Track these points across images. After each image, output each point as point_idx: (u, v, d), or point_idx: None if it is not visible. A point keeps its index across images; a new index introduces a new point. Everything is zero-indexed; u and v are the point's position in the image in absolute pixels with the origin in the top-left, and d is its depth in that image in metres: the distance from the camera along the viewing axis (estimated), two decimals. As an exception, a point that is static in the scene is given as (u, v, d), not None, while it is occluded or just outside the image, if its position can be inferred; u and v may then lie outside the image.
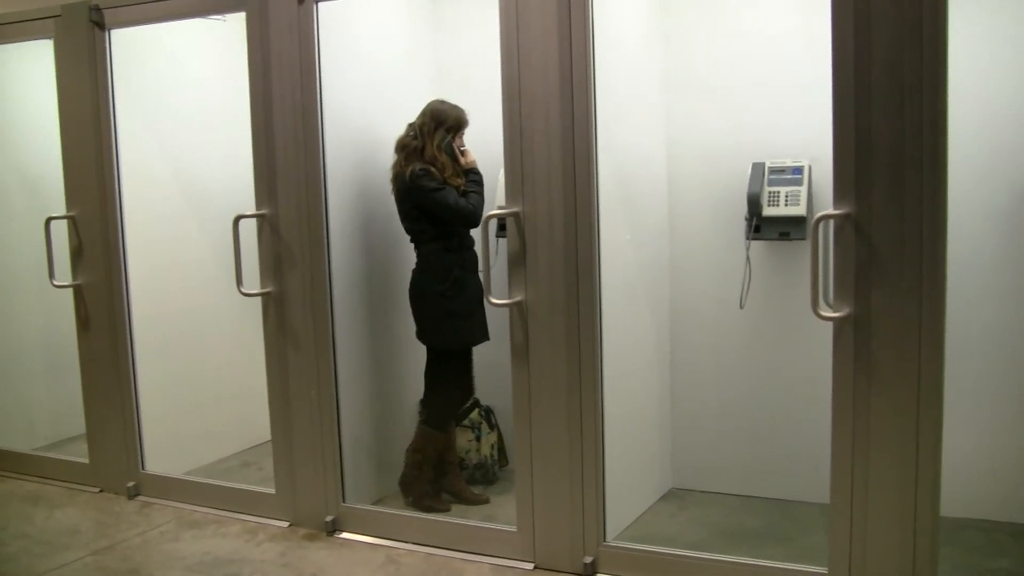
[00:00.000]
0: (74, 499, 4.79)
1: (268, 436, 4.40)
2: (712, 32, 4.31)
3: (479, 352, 4.45)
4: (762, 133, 4.19)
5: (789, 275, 4.19)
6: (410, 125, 4.25)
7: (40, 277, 4.90)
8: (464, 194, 4.19)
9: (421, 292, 4.30)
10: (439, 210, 4.17)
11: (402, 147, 4.24)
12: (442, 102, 4.27)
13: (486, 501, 4.51)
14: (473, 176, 4.26)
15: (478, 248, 4.27)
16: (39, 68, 4.97)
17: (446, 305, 4.24)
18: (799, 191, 4.05)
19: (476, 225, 4.19)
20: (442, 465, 4.50)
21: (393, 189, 4.30)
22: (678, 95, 4.39)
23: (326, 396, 4.16)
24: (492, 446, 4.78)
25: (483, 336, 4.35)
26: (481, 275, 4.00)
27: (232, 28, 4.78)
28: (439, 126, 4.21)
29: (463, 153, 4.27)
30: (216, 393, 5.22)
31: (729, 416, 4.44)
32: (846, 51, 2.97)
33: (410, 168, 4.17)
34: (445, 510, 4.34)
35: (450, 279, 4.22)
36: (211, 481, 4.71)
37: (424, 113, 4.23)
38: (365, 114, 4.37)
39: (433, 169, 4.16)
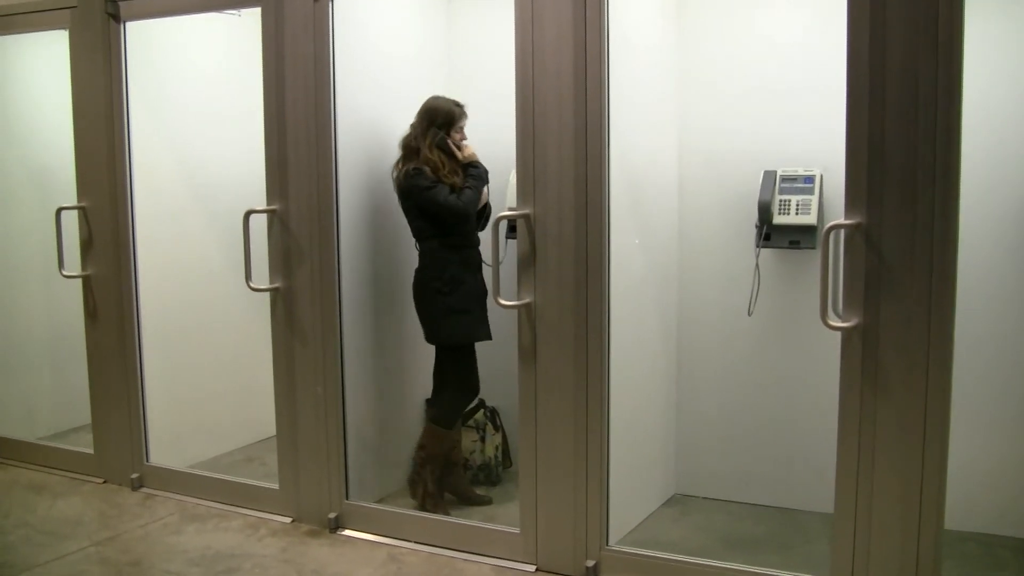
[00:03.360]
0: (77, 489, 4.79)
1: (273, 431, 4.39)
2: (726, 38, 4.31)
3: (485, 353, 4.46)
4: (774, 141, 4.19)
5: (798, 284, 4.18)
6: (411, 125, 4.26)
7: (46, 268, 4.92)
8: (461, 190, 4.19)
9: (420, 289, 4.33)
10: (432, 208, 4.17)
11: (403, 147, 4.26)
12: (437, 98, 4.26)
13: (489, 502, 4.51)
14: (472, 171, 4.24)
15: (485, 248, 4.29)
16: (49, 59, 4.99)
17: (443, 301, 4.25)
18: (810, 200, 4.05)
19: (468, 221, 4.22)
20: (449, 465, 4.51)
21: (394, 189, 4.31)
22: (691, 100, 4.39)
23: (332, 393, 4.16)
24: (496, 447, 4.77)
25: (483, 334, 4.35)
26: (487, 274, 4.00)
27: (246, 23, 4.79)
28: (431, 124, 4.21)
29: (460, 147, 4.24)
30: (222, 387, 5.22)
31: (734, 423, 4.43)
32: (861, 60, 2.97)
33: (405, 168, 4.20)
34: (443, 513, 4.32)
35: (446, 275, 4.23)
36: (215, 475, 4.71)
37: (419, 112, 4.24)
38: (378, 112, 4.38)
39: (427, 168, 4.16)
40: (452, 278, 4.25)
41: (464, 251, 4.29)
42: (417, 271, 4.34)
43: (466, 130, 4.29)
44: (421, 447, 4.41)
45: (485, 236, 4.28)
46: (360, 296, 4.34)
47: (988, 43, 3.69)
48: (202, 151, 5.10)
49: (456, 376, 4.40)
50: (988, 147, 3.74)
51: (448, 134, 4.22)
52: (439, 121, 4.21)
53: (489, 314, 4.32)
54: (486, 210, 4.37)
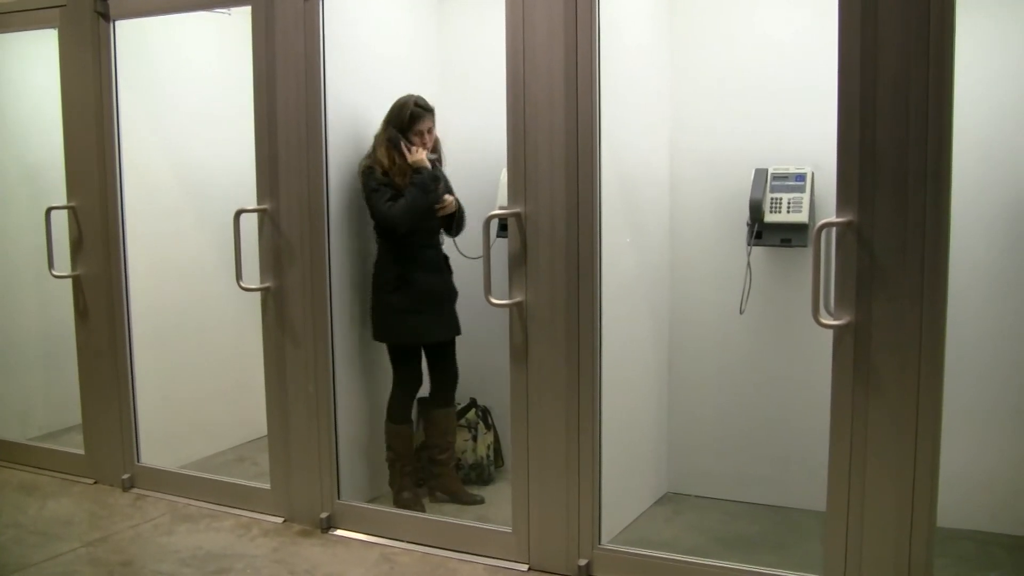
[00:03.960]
0: (68, 490, 4.78)
1: (264, 431, 4.38)
2: (718, 37, 4.31)
3: (476, 352, 4.45)
4: (766, 139, 4.18)
5: (790, 282, 4.18)
6: None
7: (38, 267, 4.89)
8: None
9: (372, 285, 4.34)
10: (371, 211, 4.19)
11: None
12: (403, 96, 4.23)
13: (481, 501, 4.50)
14: (415, 177, 4.14)
15: (464, 248, 4.32)
16: (41, 57, 4.96)
17: (387, 299, 4.26)
18: (801, 198, 4.05)
19: (399, 230, 4.15)
20: (432, 465, 4.51)
21: None
22: (683, 99, 4.38)
23: (323, 392, 4.15)
24: (488, 446, 4.77)
25: (431, 335, 4.35)
26: (470, 274, 3.98)
27: (236, 22, 4.78)
28: (388, 123, 4.21)
29: (410, 150, 4.16)
30: (213, 387, 5.21)
31: (727, 421, 4.43)
32: (852, 59, 2.97)
33: (362, 164, 4.20)
34: (419, 510, 4.32)
35: (393, 273, 4.23)
36: (206, 475, 4.70)
37: None
38: (369, 111, 4.36)
39: (378, 168, 4.15)
40: (400, 276, 4.23)
41: (419, 249, 4.28)
42: (373, 265, 4.35)
43: (459, 128, 4.27)
44: (388, 447, 4.43)
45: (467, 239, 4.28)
46: (351, 295, 4.33)
47: (982, 42, 3.70)
48: (194, 150, 5.08)
49: (396, 373, 4.40)
50: (981, 146, 3.74)
51: (405, 135, 4.17)
52: (395, 120, 4.19)
53: (464, 312, 4.34)
54: (458, 213, 4.35)
